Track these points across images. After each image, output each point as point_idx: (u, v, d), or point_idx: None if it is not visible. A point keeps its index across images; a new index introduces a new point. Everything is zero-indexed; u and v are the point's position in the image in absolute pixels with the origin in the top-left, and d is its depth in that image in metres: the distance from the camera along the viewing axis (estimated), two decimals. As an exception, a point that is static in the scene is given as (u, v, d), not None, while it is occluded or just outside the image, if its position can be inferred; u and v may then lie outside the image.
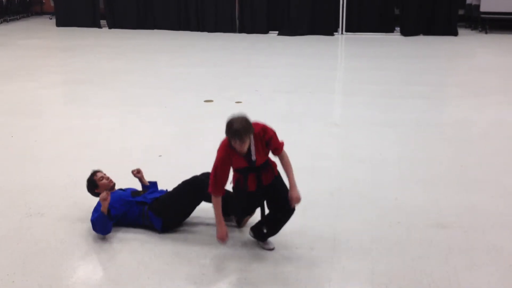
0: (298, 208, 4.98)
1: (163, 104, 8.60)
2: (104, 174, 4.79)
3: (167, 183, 5.29)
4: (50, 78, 10.49)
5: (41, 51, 13.10)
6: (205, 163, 6.13)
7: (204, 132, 7.21)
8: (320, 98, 8.87)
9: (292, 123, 7.55)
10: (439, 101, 8.76)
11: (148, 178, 5.16)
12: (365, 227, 4.62)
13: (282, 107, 8.35)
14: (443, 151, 6.39)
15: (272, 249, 4.21)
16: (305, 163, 6.07)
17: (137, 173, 4.96)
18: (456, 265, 4.03)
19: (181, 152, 6.54)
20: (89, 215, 4.54)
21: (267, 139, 3.93)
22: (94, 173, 4.79)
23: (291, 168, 4.04)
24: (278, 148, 4.04)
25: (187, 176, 5.71)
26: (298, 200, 3.91)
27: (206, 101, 8.71)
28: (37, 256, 4.24)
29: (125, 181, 5.25)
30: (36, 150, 6.70)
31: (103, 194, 4.37)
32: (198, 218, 4.76)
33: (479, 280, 3.85)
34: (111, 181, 4.78)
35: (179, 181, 5.57)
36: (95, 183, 4.72)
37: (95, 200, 4.65)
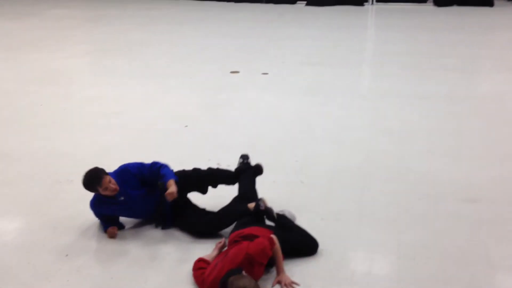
0: (323, 179, 4.97)
1: (190, 75, 8.59)
2: (111, 179, 3.98)
3: (193, 152, 5.32)
4: (78, 47, 10.56)
5: (69, 21, 13.18)
6: (230, 134, 6.14)
7: (230, 103, 7.19)
8: (348, 70, 8.74)
9: (320, 96, 7.46)
10: (471, 74, 8.54)
11: (174, 147, 5.16)
12: (392, 199, 4.56)
13: (309, 79, 8.25)
14: (474, 125, 6.25)
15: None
16: (332, 135, 6.02)
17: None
18: (485, 238, 3.97)
19: (207, 123, 6.54)
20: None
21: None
22: (102, 173, 3.99)
23: (280, 255, 3.53)
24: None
25: (213, 146, 5.73)
26: (289, 284, 3.66)
27: (232, 72, 8.67)
28: (67, 221, 4.32)
29: (150, 151, 5.29)
30: (64, 118, 6.78)
31: (113, 234, 4.13)
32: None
33: (508, 253, 3.78)
34: (116, 189, 4.00)
35: (205, 151, 5.58)
36: (99, 182, 3.93)
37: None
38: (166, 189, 3.89)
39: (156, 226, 4.20)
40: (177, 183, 3.99)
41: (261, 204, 3.97)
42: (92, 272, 3.68)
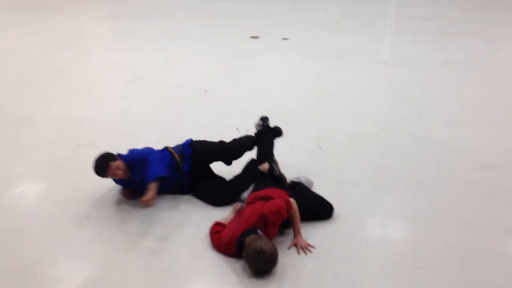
0: (342, 146, 4.97)
1: (210, 40, 8.56)
2: (120, 165, 3.96)
3: (212, 118, 5.33)
4: (98, 12, 10.56)
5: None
6: (249, 99, 6.14)
7: (249, 68, 7.16)
8: (369, 35, 8.61)
9: (340, 61, 7.39)
10: (495, 40, 8.36)
11: (193, 113, 5.18)
12: (411, 167, 4.55)
13: (330, 44, 8.16)
14: (496, 92, 6.15)
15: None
16: (352, 102, 5.98)
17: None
18: (503, 205, 3.95)
19: (226, 88, 6.54)
20: (136, 146, 4.58)
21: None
22: (109, 160, 3.95)
23: (297, 218, 3.58)
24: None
25: (232, 112, 5.74)
26: (305, 247, 3.54)
27: (252, 37, 8.60)
28: (87, 184, 4.40)
29: (169, 116, 5.31)
30: (85, 83, 6.84)
31: (129, 194, 4.21)
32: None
33: (526, 222, 3.78)
34: (125, 175, 4.00)
35: (224, 117, 5.61)
36: (106, 170, 3.94)
37: (141, 135, 4.70)
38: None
39: (174, 193, 4.24)
40: (165, 178, 3.92)
41: (276, 169, 4.01)
42: (112, 234, 3.77)
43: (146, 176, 3.87)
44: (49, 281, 3.31)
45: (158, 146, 4.27)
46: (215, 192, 4.10)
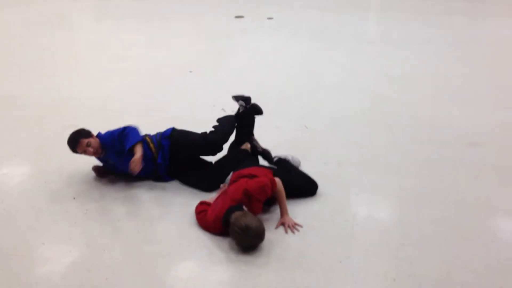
0: (328, 125, 4.97)
1: (194, 20, 8.47)
2: (92, 141, 3.94)
3: (198, 98, 5.30)
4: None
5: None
6: (235, 79, 6.11)
7: (234, 49, 7.12)
8: (355, 14, 8.59)
9: (325, 40, 7.37)
10: (479, 18, 8.39)
11: (179, 93, 5.16)
12: (395, 144, 4.58)
13: (315, 24, 8.13)
14: (480, 70, 6.19)
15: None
16: (337, 81, 5.98)
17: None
18: (488, 182, 4.00)
19: (211, 68, 6.50)
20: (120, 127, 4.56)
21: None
22: (81, 136, 3.95)
23: (283, 197, 3.56)
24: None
25: (218, 92, 5.71)
26: (292, 225, 3.52)
27: (236, 17, 8.53)
28: (72, 166, 4.36)
29: (154, 96, 5.27)
30: (68, 63, 6.75)
31: (97, 171, 4.20)
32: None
33: (509, 197, 3.82)
34: (97, 152, 3.98)
35: (209, 97, 5.58)
36: (76, 145, 3.94)
37: (126, 115, 4.69)
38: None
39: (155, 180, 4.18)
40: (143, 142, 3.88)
41: (258, 145, 4.01)
42: (99, 214, 3.75)
43: (126, 144, 3.82)
44: (36, 262, 3.29)
45: (142, 126, 4.23)
46: (201, 179, 4.02)
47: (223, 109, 5.20)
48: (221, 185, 3.91)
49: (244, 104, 4.41)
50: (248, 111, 4.40)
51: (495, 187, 3.93)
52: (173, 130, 4.13)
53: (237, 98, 4.40)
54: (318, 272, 3.12)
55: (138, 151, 3.77)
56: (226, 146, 4.25)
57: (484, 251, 3.25)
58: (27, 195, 4.00)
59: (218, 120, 4.28)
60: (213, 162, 4.18)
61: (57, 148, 4.69)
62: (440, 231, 3.45)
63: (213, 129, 4.17)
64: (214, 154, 4.15)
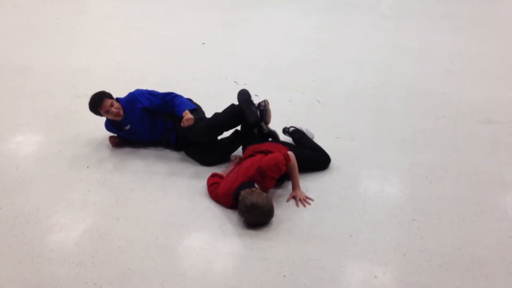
0: (341, 99, 4.95)
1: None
2: (115, 103, 4.00)
3: (211, 70, 5.28)
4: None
5: None
6: (248, 52, 6.08)
7: (247, 21, 7.06)
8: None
9: (339, 15, 7.28)
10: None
11: (191, 65, 5.14)
12: (409, 120, 4.55)
13: (330, -3, 8.03)
14: (497, 47, 6.09)
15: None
16: (352, 56, 5.92)
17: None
18: (501, 159, 3.97)
19: (225, 40, 6.46)
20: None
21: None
22: (104, 96, 4.02)
23: (296, 171, 3.56)
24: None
25: (231, 65, 5.69)
26: (304, 199, 3.54)
27: (251, -12, 8.43)
28: (87, 135, 4.40)
29: (167, 68, 5.25)
30: (81, 33, 6.74)
31: (114, 142, 4.24)
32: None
33: (522, 176, 3.81)
34: (119, 114, 4.00)
35: (222, 69, 5.57)
36: (100, 104, 3.98)
37: (139, 86, 4.69)
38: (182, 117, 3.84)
39: (166, 147, 4.23)
40: (194, 110, 3.95)
41: (264, 127, 3.96)
42: (113, 184, 3.79)
43: (179, 110, 3.90)
44: (51, 229, 3.34)
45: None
46: (206, 154, 4.01)
47: (236, 82, 5.19)
48: (232, 157, 3.92)
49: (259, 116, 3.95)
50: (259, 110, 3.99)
51: (508, 164, 3.91)
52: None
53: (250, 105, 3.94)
54: (329, 245, 3.14)
55: (188, 113, 3.86)
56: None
57: (496, 227, 3.25)
58: (42, 163, 4.05)
59: (225, 109, 4.02)
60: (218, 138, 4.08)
61: (71, 116, 4.73)
62: (451, 207, 3.45)
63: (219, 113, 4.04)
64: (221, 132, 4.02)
